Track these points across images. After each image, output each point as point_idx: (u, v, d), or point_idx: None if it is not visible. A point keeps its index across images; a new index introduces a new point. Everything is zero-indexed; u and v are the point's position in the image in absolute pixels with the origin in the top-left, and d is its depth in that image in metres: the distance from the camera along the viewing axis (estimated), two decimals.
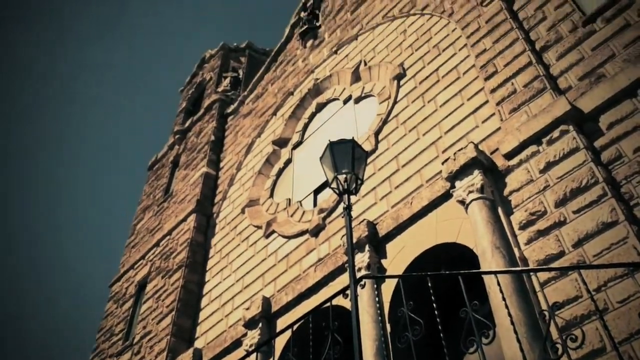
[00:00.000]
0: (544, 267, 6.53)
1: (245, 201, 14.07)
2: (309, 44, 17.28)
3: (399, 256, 8.70)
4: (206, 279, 13.49)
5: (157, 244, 16.16)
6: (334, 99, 14.17)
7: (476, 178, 7.88)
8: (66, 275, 56.51)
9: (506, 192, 7.76)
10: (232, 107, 19.47)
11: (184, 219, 15.40)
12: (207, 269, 13.73)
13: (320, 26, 17.54)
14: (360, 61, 13.75)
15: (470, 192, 7.83)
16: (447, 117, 9.85)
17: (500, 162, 8.10)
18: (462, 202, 7.94)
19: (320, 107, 14.55)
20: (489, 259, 6.92)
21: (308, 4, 18.76)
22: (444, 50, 11.17)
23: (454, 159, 8.25)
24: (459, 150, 8.37)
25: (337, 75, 14.50)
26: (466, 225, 7.84)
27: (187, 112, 22.99)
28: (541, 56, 8.97)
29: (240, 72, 22.98)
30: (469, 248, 7.73)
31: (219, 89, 21.37)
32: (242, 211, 13.88)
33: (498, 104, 8.86)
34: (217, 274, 13.13)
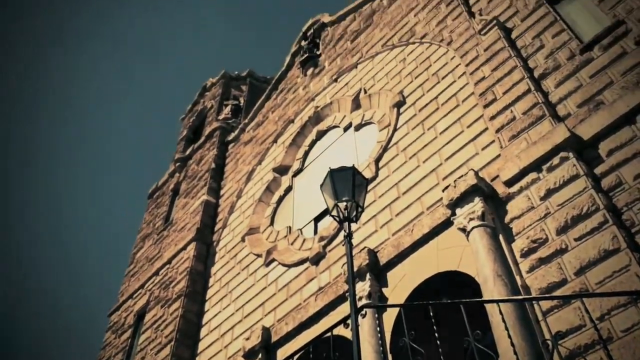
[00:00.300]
0: (546, 295, 6.47)
1: (246, 229, 14.02)
2: (309, 72, 17.43)
3: (401, 284, 8.63)
4: (205, 309, 13.36)
5: (156, 273, 16.05)
6: (335, 127, 14.23)
7: (477, 205, 7.87)
8: (66, 304, 56.14)
9: (507, 219, 7.73)
10: (233, 134, 19.55)
11: (184, 248, 15.33)
12: (207, 298, 13.61)
13: (320, 55, 17.71)
14: (360, 89, 13.85)
15: (471, 219, 7.81)
16: (447, 144, 9.87)
17: (500, 189, 8.09)
18: (463, 229, 7.91)
19: (320, 135, 14.60)
20: (491, 288, 6.86)
21: (308, 33, 18.98)
22: (443, 78, 11.25)
23: (455, 186, 8.25)
24: (460, 177, 8.37)
25: (338, 103, 14.59)
26: (467, 253, 7.79)
27: (188, 140, 23.08)
28: (540, 84, 9.03)
29: (241, 100, 23.13)
30: (470, 276, 7.67)
31: (220, 117, 21.49)
32: (242, 239, 13.81)
33: (497, 131, 8.88)
34: (216, 304, 13.01)
